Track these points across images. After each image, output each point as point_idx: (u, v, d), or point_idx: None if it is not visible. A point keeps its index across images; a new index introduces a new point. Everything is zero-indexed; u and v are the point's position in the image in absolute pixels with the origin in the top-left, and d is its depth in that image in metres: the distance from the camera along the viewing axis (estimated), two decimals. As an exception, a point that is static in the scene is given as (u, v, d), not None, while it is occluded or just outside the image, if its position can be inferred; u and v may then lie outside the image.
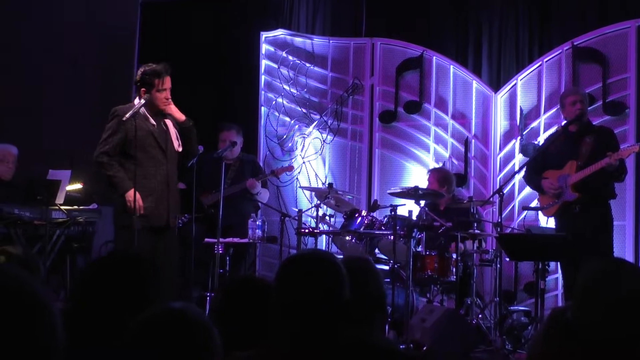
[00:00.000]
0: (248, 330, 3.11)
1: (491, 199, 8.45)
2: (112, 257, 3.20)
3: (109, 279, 2.92)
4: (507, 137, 9.43)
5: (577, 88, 8.48)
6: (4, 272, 1.74)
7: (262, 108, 10.42)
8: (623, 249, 8.63)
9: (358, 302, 3.34)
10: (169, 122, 7.06)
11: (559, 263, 8.25)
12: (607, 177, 7.52)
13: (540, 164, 7.90)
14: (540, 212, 8.77)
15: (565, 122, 7.97)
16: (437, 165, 9.45)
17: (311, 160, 10.22)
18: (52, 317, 1.74)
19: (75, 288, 2.97)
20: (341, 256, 4.84)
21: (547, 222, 8.38)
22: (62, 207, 8.58)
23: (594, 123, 8.24)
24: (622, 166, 7.51)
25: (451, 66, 9.67)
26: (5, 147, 9.14)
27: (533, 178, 7.97)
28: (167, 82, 7.01)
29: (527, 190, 9.10)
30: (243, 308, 3.19)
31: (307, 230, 8.46)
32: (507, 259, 8.13)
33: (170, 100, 7.03)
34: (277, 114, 10.38)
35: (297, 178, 10.20)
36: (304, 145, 10.26)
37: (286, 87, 10.34)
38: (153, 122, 6.99)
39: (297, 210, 8.82)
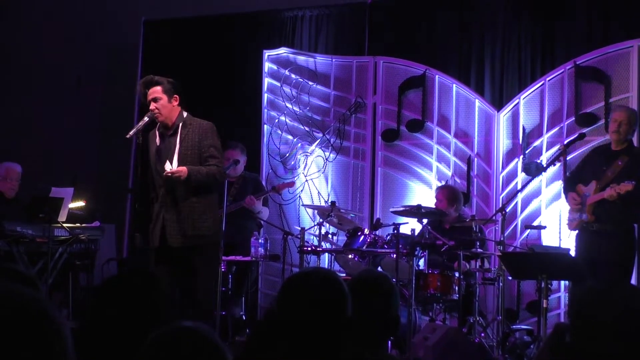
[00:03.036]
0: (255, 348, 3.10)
1: (494, 218, 8.44)
2: (124, 276, 3.19)
3: (122, 298, 2.91)
4: (510, 155, 9.43)
5: (628, 107, 8.10)
6: (16, 292, 1.74)
7: (265, 126, 10.43)
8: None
9: (370, 321, 3.34)
10: (176, 139, 6.86)
11: (563, 282, 8.20)
12: (623, 204, 7.24)
13: (576, 176, 7.76)
14: (542, 231, 8.79)
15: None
16: (440, 184, 9.45)
17: (314, 179, 10.22)
18: (65, 338, 1.74)
19: (88, 307, 2.95)
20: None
21: (575, 238, 8.07)
22: (64, 225, 8.58)
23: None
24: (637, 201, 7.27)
25: (454, 85, 9.68)
26: (10, 166, 9.16)
27: (567, 190, 7.80)
28: (149, 94, 6.83)
29: (530, 208, 9.12)
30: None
31: (309, 249, 8.44)
32: (510, 278, 8.11)
33: (155, 111, 6.79)
34: (279, 132, 10.39)
35: (299, 196, 10.20)
36: (306, 164, 10.26)
37: (289, 105, 10.35)
38: (158, 139, 6.92)
39: (299, 228, 8.81)
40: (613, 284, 2.84)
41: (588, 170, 7.61)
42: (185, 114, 6.93)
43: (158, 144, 6.90)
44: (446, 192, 8.84)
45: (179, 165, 6.74)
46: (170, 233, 6.78)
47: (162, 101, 6.81)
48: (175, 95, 6.88)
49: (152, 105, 6.80)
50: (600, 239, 7.36)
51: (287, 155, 10.36)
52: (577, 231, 7.64)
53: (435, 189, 9.17)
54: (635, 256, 7.54)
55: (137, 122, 7.44)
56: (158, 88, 6.83)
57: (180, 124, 6.88)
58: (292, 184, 9.74)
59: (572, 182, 7.73)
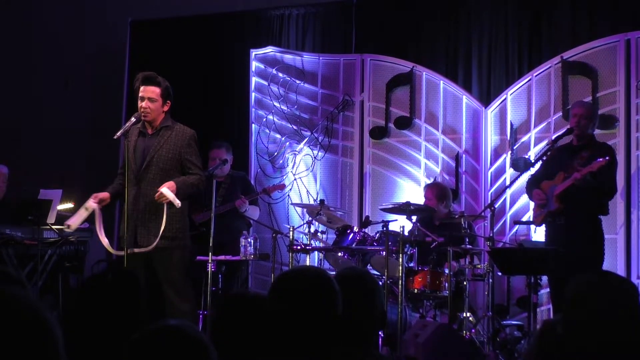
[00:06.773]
0: (245, 347, 3.10)
1: (483, 214, 8.45)
2: (102, 277, 3.19)
3: (100, 298, 2.91)
4: (498, 151, 9.44)
5: (585, 102, 8.29)
6: (7, 293, 1.74)
7: (253, 125, 10.42)
8: (615, 262, 8.64)
9: (358, 318, 3.34)
10: (157, 140, 6.85)
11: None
12: (589, 191, 7.45)
13: (541, 174, 7.87)
14: (532, 226, 8.79)
15: (561, 132, 7.93)
16: (428, 181, 9.45)
17: (302, 177, 10.21)
18: (56, 339, 1.74)
19: (68, 308, 2.96)
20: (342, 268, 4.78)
21: (544, 235, 8.25)
22: (53, 227, 8.55)
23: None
24: (603, 184, 7.43)
25: (441, 81, 9.68)
26: None
27: (531, 188, 7.93)
28: (142, 91, 6.79)
29: (519, 204, 9.13)
30: (239, 324, 3.17)
31: (299, 247, 8.44)
32: (499, 273, 8.12)
33: (146, 111, 6.76)
34: (267, 131, 10.38)
35: (288, 195, 10.19)
36: (295, 162, 10.26)
37: (276, 104, 10.35)
38: (137, 136, 6.88)
39: (289, 227, 8.81)
40: (602, 276, 2.85)
41: (553, 168, 7.69)
42: (169, 118, 6.95)
43: (136, 141, 6.89)
44: (434, 190, 8.85)
45: (154, 167, 6.78)
46: (141, 234, 6.79)
47: (156, 103, 6.81)
48: (168, 101, 6.89)
49: (145, 104, 6.77)
50: (570, 234, 7.43)
51: (276, 154, 10.36)
52: (544, 227, 7.75)
53: (423, 188, 9.17)
54: (604, 247, 7.62)
55: (124, 123, 7.40)
56: (157, 89, 6.82)
57: (163, 127, 6.89)
58: (283, 186, 9.75)
59: (537, 181, 7.82)
